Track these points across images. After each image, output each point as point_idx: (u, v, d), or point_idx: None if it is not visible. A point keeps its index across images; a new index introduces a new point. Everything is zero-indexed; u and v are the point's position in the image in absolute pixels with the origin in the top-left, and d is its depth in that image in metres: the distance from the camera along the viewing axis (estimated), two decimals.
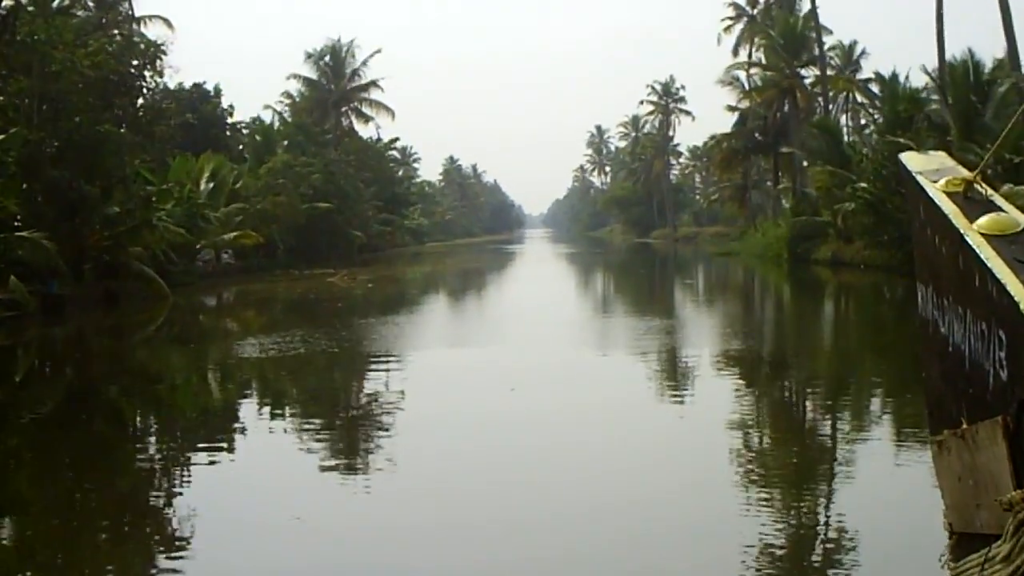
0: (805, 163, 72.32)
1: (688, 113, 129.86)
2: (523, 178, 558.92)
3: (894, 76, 68.78)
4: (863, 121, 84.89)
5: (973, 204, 4.21)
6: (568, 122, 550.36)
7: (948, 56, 44.97)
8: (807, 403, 18.04)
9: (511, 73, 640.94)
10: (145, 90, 44.87)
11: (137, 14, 59.43)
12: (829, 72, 72.71)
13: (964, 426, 4.06)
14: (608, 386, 19.18)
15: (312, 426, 16.23)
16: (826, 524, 10.31)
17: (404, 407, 17.46)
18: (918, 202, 4.72)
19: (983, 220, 3.96)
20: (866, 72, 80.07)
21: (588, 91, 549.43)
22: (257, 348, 25.64)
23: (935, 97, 50.94)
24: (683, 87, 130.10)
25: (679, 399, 18.09)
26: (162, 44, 49.34)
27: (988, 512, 3.74)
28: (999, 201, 4.31)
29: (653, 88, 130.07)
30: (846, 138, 63.91)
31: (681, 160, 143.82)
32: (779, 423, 16.04)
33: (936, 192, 4.33)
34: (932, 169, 4.60)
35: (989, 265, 3.56)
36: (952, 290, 4.10)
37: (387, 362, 23.15)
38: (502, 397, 17.66)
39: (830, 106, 73.69)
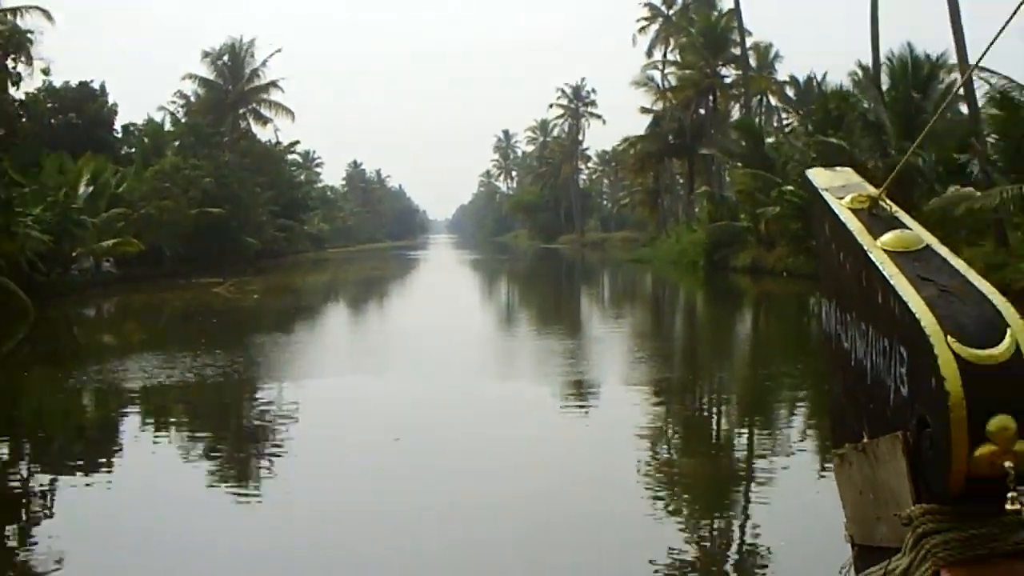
0: (722, 165, 70.46)
1: (598, 117, 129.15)
2: (428, 182, 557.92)
3: (809, 78, 67.34)
4: (775, 124, 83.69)
5: (878, 221, 3.84)
6: (474, 127, 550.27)
7: (884, 52, 42.39)
8: (723, 427, 17.35)
9: (418, 77, 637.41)
10: (10, 82, 40.95)
11: (12, 5, 54.24)
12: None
13: (865, 440, 3.77)
14: (507, 429, 16.07)
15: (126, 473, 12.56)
16: (740, 536, 10.65)
17: (251, 463, 13.97)
18: (824, 218, 4.38)
19: (887, 237, 3.61)
20: (781, 75, 79.41)
21: (496, 95, 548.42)
22: (79, 379, 21.94)
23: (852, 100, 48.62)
24: (594, 91, 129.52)
25: (585, 435, 15.91)
26: (29, 32, 45.42)
27: (888, 526, 3.63)
28: (904, 218, 3.88)
29: (563, 91, 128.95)
30: (767, 140, 61.80)
31: (590, 165, 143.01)
32: (692, 446, 15.51)
33: (841, 208, 4.01)
34: (838, 185, 4.39)
35: (892, 282, 3.35)
36: (856, 306, 3.86)
37: (241, 396, 19.58)
38: (385, 450, 14.11)
39: (750, 107, 71.74)
